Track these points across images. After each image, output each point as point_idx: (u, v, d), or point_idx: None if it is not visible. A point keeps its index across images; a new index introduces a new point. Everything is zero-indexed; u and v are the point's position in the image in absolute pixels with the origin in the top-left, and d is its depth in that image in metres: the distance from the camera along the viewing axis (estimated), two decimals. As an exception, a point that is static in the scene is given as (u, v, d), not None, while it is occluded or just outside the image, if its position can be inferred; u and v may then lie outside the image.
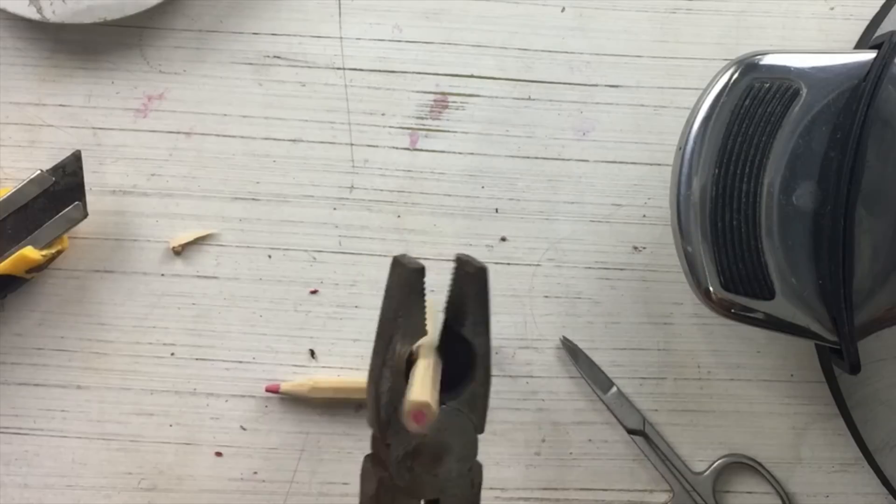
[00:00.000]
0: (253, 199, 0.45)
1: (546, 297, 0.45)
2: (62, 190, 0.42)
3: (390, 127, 0.45)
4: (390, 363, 0.34)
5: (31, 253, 0.41)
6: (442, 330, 0.36)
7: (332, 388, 0.44)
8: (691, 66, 0.45)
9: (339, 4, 0.45)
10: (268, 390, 0.44)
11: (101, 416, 0.45)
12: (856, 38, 0.44)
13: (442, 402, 0.34)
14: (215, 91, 0.45)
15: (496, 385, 0.45)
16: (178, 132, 0.45)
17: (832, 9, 0.45)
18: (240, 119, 0.45)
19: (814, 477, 0.45)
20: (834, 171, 0.36)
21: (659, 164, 0.45)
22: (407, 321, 0.34)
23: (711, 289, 0.37)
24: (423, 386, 0.32)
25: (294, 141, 0.45)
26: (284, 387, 0.44)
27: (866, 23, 0.44)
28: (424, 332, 0.35)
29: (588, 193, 0.45)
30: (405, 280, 0.34)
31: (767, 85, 0.36)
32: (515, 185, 0.45)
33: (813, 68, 0.36)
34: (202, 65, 0.45)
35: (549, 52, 0.45)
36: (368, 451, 0.40)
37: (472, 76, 0.45)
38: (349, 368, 0.45)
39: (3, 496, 0.44)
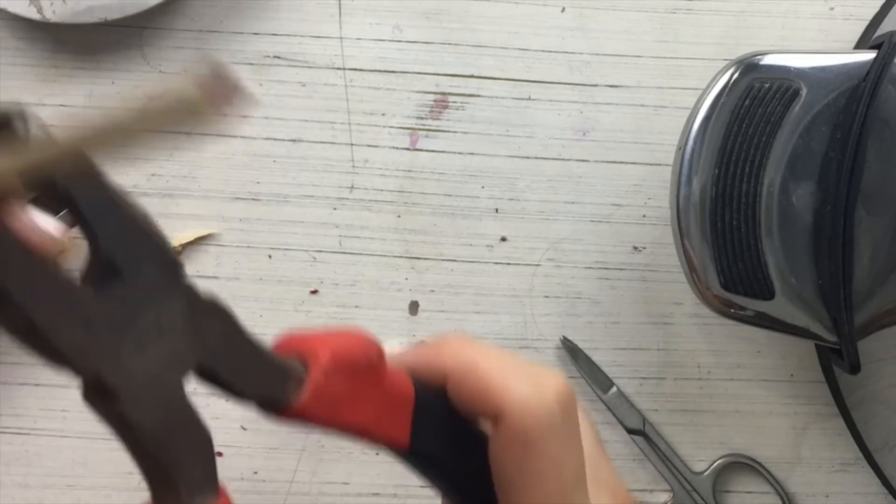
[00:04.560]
0: (253, 199, 0.45)
1: (546, 297, 0.45)
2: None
3: (390, 127, 0.45)
4: None
5: None
6: None
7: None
8: (691, 66, 0.45)
9: (339, 4, 0.45)
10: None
11: (102, 416, 0.45)
12: (856, 38, 0.44)
13: None
14: (215, 91, 0.45)
15: (496, 385, 0.45)
16: (179, 132, 0.45)
17: (832, 9, 0.45)
18: (240, 119, 0.45)
19: (814, 477, 0.45)
20: (834, 172, 0.36)
21: (659, 164, 0.45)
22: None
23: (711, 289, 0.37)
24: None
25: (294, 141, 0.45)
26: None
27: (866, 23, 0.44)
28: None
29: (588, 193, 0.45)
30: None
31: (767, 85, 0.36)
32: (515, 185, 0.45)
33: (813, 68, 0.36)
34: (202, 65, 0.45)
35: (549, 52, 0.45)
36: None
37: (472, 76, 0.45)
38: (349, 368, 0.45)
39: (3, 496, 0.44)
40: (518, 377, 0.28)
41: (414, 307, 0.45)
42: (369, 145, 0.45)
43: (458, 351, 0.30)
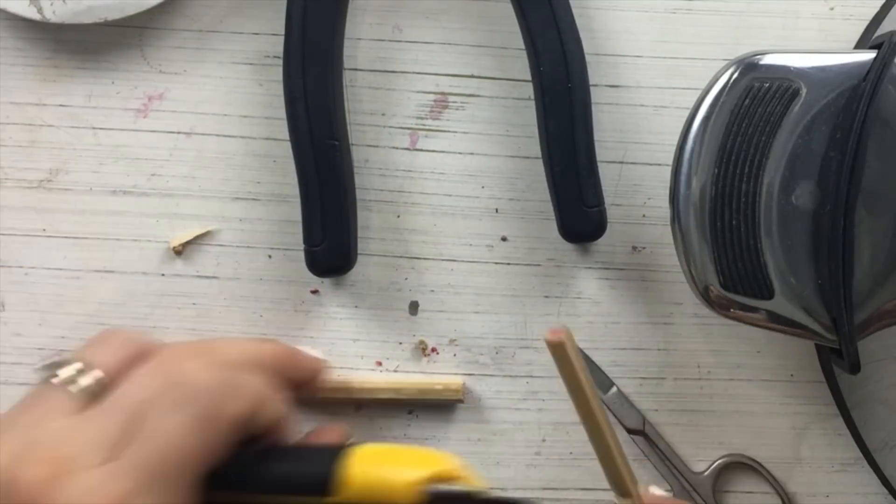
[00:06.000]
0: (253, 199, 0.45)
1: (546, 297, 0.45)
2: None
3: (390, 127, 0.45)
4: None
5: None
6: None
7: (332, 387, 0.44)
8: (691, 66, 0.45)
9: (339, 4, 0.45)
10: None
11: (102, 415, 0.45)
12: (856, 38, 0.44)
13: None
14: (215, 91, 0.45)
15: (497, 385, 0.45)
16: (178, 132, 0.45)
17: (832, 9, 0.45)
18: (240, 119, 0.45)
19: (814, 477, 0.45)
20: (833, 171, 0.36)
21: (659, 164, 0.45)
22: None
23: (711, 288, 0.37)
24: None
25: (294, 141, 0.45)
26: None
27: (866, 23, 0.44)
28: None
29: (588, 193, 0.45)
30: None
31: (767, 85, 0.36)
32: (515, 185, 0.45)
33: (813, 68, 0.36)
34: (202, 65, 0.45)
35: (549, 52, 0.45)
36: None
37: (472, 76, 0.45)
38: (349, 368, 0.45)
39: (3, 496, 0.44)
40: None
41: (414, 307, 0.45)
42: (369, 145, 0.45)
43: None
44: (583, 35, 0.42)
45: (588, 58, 0.43)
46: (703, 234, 0.36)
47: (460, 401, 0.44)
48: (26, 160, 0.45)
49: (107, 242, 0.45)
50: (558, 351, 0.32)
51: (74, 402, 0.34)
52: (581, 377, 0.33)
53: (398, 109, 0.45)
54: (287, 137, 0.42)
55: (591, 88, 0.43)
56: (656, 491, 0.41)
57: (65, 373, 0.35)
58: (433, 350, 0.45)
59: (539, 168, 0.44)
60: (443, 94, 0.45)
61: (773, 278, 0.36)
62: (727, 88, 0.36)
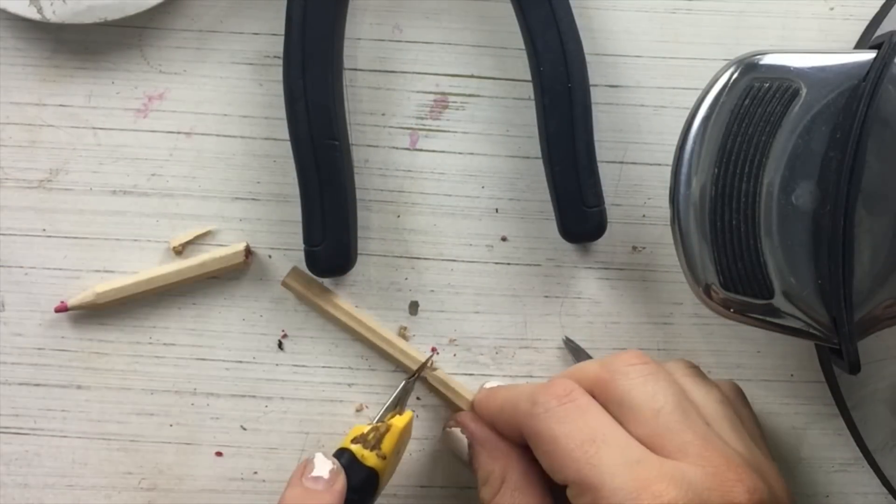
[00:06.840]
0: (253, 199, 0.45)
1: (546, 297, 0.45)
2: None
3: (390, 127, 0.45)
4: None
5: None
6: None
7: (117, 288, 0.44)
8: (691, 66, 0.45)
9: (339, 4, 0.45)
10: (57, 311, 0.44)
11: (102, 415, 0.45)
12: (856, 38, 0.44)
13: None
14: (215, 91, 0.45)
15: (496, 385, 0.45)
16: (178, 132, 0.45)
17: (832, 9, 0.45)
18: (240, 119, 0.45)
19: (814, 477, 0.45)
20: (833, 171, 0.36)
21: (659, 164, 0.45)
22: None
23: (711, 288, 0.37)
24: None
25: (294, 141, 0.45)
26: (72, 302, 0.44)
27: (866, 23, 0.44)
28: None
29: (588, 193, 0.45)
30: None
31: (767, 85, 0.36)
32: (515, 185, 0.45)
33: (813, 68, 0.36)
34: (202, 65, 0.45)
35: (549, 52, 0.45)
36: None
37: (472, 76, 0.45)
38: (349, 368, 0.45)
39: (3, 496, 0.44)
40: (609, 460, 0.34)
41: (414, 307, 0.45)
42: (369, 145, 0.45)
43: (534, 419, 0.36)
44: (583, 35, 0.42)
45: (588, 58, 0.43)
46: (703, 234, 0.36)
47: (245, 264, 0.44)
48: (26, 160, 0.45)
49: (107, 242, 0.45)
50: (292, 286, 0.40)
51: None
52: (325, 299, 0.42)
53: (398, 109, 0.45)
54: (287, 137, 0.42)
55: (591, 88, 0.43)
56: (491, 384, 0.44)
57: None
58: (432, 349, 0.45)
59: (539, 168, 0.44)
60: (443, 94, 0.45)
61: (773, 278, 0.36)
62: (727, 88, 0.36)
